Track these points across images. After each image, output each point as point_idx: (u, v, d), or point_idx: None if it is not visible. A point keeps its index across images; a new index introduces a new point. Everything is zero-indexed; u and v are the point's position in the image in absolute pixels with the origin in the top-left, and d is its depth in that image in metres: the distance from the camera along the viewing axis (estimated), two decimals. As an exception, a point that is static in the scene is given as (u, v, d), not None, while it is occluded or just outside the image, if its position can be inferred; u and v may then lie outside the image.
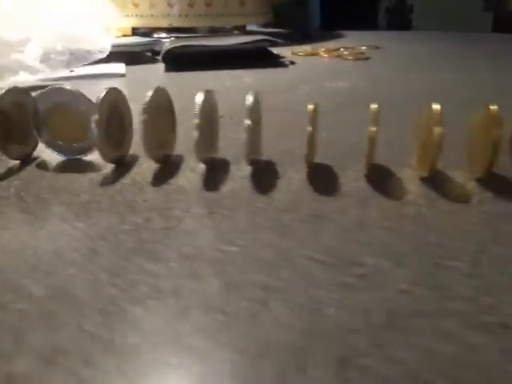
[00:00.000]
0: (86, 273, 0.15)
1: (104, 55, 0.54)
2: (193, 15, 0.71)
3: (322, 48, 0.65)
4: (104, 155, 0.22)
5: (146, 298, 0.14)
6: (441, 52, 0.66)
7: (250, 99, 0.21)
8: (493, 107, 0.20)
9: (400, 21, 1.67)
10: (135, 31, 0.77)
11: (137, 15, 0.72)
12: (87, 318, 0.13)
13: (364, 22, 1.40)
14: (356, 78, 0.46)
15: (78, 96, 0.24)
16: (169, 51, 0.51)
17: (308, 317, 0.13)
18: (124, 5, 0.70)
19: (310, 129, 0.20)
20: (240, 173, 0.22)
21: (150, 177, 0.22)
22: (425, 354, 0.11)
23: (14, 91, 0.24)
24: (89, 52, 0.54)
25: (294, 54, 0.62)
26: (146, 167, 0.23)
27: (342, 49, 0.66)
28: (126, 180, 0.22)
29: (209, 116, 0.22)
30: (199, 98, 0.21)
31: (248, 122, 0.20)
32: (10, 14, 0.48)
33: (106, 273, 0.15)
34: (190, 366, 0.11)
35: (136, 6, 0.71)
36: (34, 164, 0.24)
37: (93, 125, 0.21)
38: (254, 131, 0.21)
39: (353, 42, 0.71)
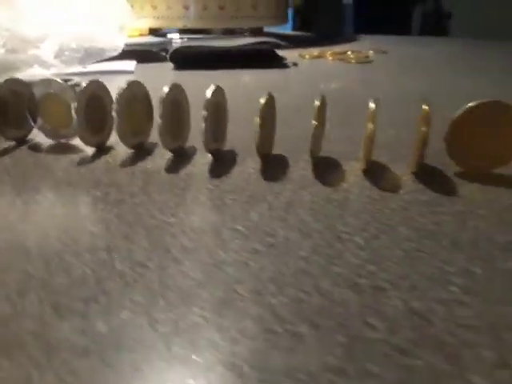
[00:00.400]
0: (39, 228, 0.18)
1: (116, 53, 0.58)
2: (207, 17, 0.74)
3: (329, 51, 0.67)
4: (83, 139, 0.25)
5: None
6: (445, 55, 0.67)
7: (208, 92, 0.23)
8: (425, 107, 0.22)
9: (436, 26, 1.67)
10: (153, 31, 0.81)
11: (154, 16, 0.76)
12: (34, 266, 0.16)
13: (399, 26, 1.39)
14: (351, 79, 0.48)
15: (66, 88, 0.27)
16: (176, 51, 0.54)
17: (208, 271, 0.15)
18: (142, 7, 0.74)
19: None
20: (203, 160, 0.25)
21: (121, 160, 0.25)
22: (295, 303, 0.14)
23: (12, 81, 0.28)
24: (102, 50, 0.57)
25: (301, 56, 0.65)
26: (122, 151, 0.26)
27: (349, 52, 0.67)
28: (100, 162, 0.25)
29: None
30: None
31: (204, 112, 0.23)
32: (28, 12, 0.52)
33: (56, 229, 0.18)
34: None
35: (154, 7, 0.75)
36: (26, 145, 0.28)
37: (73, 112, 0.24)
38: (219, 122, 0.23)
39: (365, 46, 0.73)
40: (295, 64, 0.57)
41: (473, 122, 0.22)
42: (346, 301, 0.14)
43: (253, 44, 0.56)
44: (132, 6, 0.76)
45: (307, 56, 0.65)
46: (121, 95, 0.24)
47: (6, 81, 0.27)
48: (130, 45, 0.59)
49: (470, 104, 0.22)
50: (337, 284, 0.15)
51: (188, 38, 0.66)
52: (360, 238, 0.17)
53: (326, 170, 0.24)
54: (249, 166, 0.24)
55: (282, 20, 0.84)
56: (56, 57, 0.51)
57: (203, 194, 0.21)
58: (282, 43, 0.59)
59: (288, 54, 0.63)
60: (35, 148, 0.27)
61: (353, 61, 0.61)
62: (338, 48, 0.71)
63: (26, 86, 0.28)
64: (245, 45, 0.56)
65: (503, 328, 0.13)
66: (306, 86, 0.46)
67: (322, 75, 0.53)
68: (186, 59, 0.54)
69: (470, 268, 0.15)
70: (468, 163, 0.23)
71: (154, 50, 0.60)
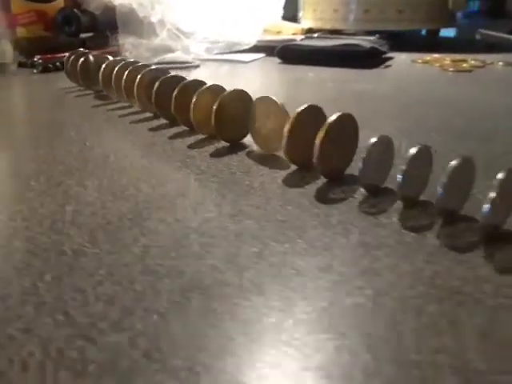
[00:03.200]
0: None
1: (248, 47, 0.72)
2: (367, 20, 0.79)
3: (447, 58, 0.68)
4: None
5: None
6: None
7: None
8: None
9: None
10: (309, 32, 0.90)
11: (315, 18, 0.84)
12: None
13: None
14: (430, 89, 0.52)
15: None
16: (282, 48, 0.65)
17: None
18: (307, 9, 0.85)
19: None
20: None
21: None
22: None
23: (239, 92, 0.32)
24: (237, 43, 0.72)
25: (413, 61, 0.68)
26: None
27: (472, 61, 0.67)
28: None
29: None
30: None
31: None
32: (186, 9, 0.69)
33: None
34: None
35: (314, 10, 0.84)
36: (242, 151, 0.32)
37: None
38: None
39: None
40: (387, 66, 0.62)
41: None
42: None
43: (349, 45, 0.63)
44: (303, 9, 0.88)
45: (419, 61, 0.67)
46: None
47: (234, 91, 0.31)
48: (261, 41, 0.72)
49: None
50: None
51: (305, 38, 0.75)
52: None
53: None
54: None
55: (424, 25, 0.84)
56: (200, 46, 0.68)
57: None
58: (380, 48, 0.63)
59: (401, 58, 0.67)
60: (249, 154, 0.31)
61: (451, 69, 0.61)
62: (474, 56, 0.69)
63: (250, 98, 0.31)
64: (344, 44, 0.63)
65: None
66: (369, 86, 0.52)
67: (398, 81, 0.57)
68: (290, 55, 0.64)
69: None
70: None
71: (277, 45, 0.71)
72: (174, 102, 0.34)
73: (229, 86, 0.33)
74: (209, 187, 0.26)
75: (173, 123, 0.37)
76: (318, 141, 0.24)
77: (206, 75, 0.63)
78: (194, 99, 0.32)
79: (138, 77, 0.38)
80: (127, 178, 0.27)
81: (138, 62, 0.43)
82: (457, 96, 0.48)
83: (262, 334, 0.15)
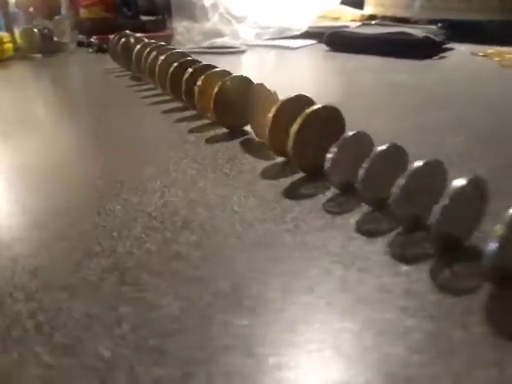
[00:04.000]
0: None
1: (298, 33, 0.70)
2: (430, 8, 0.75)
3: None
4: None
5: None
6: None
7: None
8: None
9: None
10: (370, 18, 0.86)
11: (378, 4, 0.80)
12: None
13: None
14: (471, 82, 0.48)
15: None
16: (331, 34, 0.62)
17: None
18: None
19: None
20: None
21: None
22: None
23: (239, 78, 0.31)
24: (288, 29, 0.70)
25: (472, 54, 0.63)
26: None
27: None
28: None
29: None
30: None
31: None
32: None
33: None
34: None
35: None
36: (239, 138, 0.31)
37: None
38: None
39: None
40: (442, 57, 0.58)
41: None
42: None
43: (400, 33, 0.59)
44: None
45: (480, 53, 0.62)
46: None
47: (234, 78, 0.31)
48: (313, 27, 0.70)
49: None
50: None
51: (362, 25, 0.72)
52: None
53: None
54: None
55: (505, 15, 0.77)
56: (250, 31, 0.67)
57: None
58: (435, 37, 0.59)
59: (461, 49, 0.63)
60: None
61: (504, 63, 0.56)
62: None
63: (251, 84, 0.30)
64: (395, 33, 0.59)
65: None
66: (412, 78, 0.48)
67: (453, 74, 0.52)
68: (338, 42, 0.62)
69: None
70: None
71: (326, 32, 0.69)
72: (184, 86, 0.35)
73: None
74: (187, 173, 0.26)
75: (186, 107, 0.37)
76: (292, 132, 0.23)
77: (248, 61, 0.63)
78: (198, 83, 0.32)
79: (159, 60, 0.39)
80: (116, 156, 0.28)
81: (165, 46, 0.43)
82: (503, 96, 0.43)
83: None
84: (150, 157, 0.28)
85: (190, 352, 0.13)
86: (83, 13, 0.71)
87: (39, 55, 0.63)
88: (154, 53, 0.41)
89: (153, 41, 0.48)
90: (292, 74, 0.54)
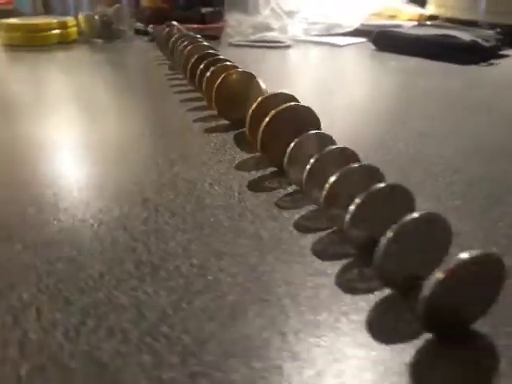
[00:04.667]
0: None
1: (349, 30, 0.70)
2: (494, 12, 0.71)
3: None
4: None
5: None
6: None
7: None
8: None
9: None
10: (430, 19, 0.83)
11: (439, 5, 0.77)
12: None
13: None
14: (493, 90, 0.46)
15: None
16: (378, 33, 0.61)
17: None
18: None
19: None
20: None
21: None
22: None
23: (242, 73, 0.33)
24: (338, 25, 0.70)
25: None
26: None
27: None
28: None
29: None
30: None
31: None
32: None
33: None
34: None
35: None
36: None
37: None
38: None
39: None
40: (491, 64, 0.55)
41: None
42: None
43: (446, 36, 0.57)
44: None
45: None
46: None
47: (237, 72, 0.32)
48: (364, 25, 0.69)
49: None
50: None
51: (418, 25, 0.70)
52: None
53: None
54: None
55: None
56: (298, 27, 0.68)
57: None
58: (480, 41, 0.56)
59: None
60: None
61: None
62: None
63: (254, 78, 0.32)
64: (442, 35, 0.57)
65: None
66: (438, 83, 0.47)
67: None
68: (385, 42, 0.61)
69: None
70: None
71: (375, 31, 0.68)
72: (197, 78, 0.37)
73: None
74: (166, 157, 0.27)
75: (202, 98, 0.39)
76: (261, 126, 0.24)
77: (290, 57, 0.64)
78: (207, 74, 0.34)
79: (185, 52, 0.41)
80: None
81: (195, 38, 0.46)
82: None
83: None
84: (138, 140, 0.31)
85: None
86: (144, 1, 0.76)
87: (100, 40, 0.68)
88: (183, 45, 0.44)
89: (191, 33, 0.50)
90: (326, 72, 0.55)
